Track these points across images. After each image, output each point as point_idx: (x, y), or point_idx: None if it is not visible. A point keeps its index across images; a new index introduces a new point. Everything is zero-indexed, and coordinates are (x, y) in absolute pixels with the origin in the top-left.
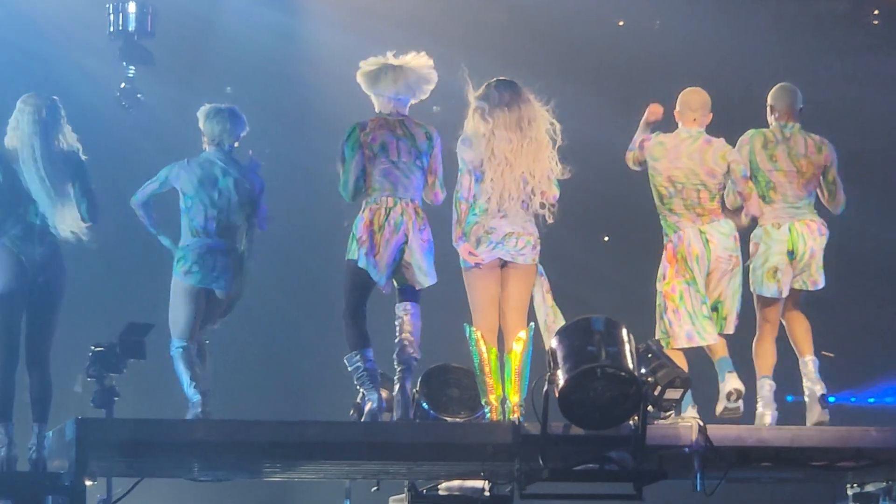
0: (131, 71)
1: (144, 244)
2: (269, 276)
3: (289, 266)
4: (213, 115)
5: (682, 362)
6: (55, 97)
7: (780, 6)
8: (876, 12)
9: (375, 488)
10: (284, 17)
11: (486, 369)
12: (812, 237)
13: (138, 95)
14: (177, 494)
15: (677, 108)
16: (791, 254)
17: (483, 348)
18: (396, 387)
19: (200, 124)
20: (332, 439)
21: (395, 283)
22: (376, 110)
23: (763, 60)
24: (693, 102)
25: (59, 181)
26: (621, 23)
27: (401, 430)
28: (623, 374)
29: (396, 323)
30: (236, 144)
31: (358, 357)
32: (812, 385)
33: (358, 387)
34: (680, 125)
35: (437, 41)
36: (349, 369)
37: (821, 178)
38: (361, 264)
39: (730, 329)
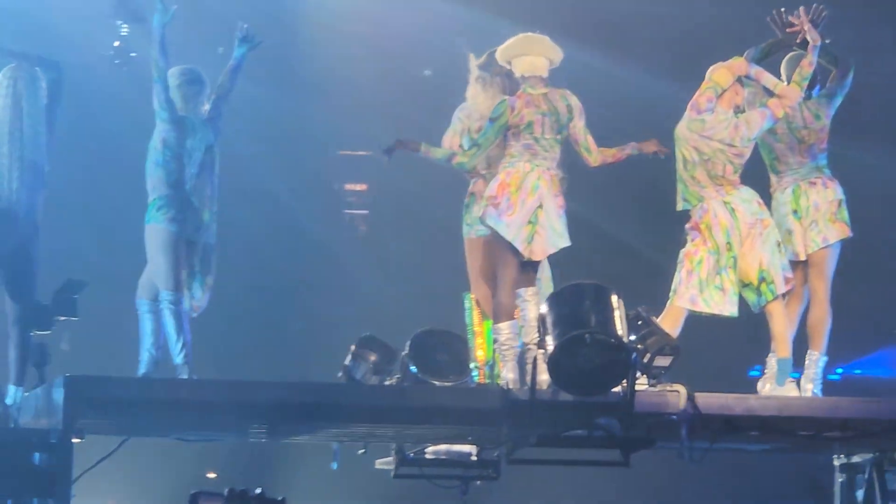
0: (124, 29)
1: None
2: (260, 238)
3: (281, 227)
4: (187, 85)
5: (676, 326)
6: (37, 68)
7: None
8: None
9: (363, 451)
10: None
11: (478, 331)
12: (815, 190)
13: (132, 54)
14: (164, 454)
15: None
16: (795, 213)
17: (477, 316)
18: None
19: (171, 90)
20: (320, 401)
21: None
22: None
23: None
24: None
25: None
26: None
27: (389, 394)
28: (612, 340)
29: None
30: (205, 107)
31: None
32: (806, 383)
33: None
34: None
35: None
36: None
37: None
38: None
39: (781, 289)
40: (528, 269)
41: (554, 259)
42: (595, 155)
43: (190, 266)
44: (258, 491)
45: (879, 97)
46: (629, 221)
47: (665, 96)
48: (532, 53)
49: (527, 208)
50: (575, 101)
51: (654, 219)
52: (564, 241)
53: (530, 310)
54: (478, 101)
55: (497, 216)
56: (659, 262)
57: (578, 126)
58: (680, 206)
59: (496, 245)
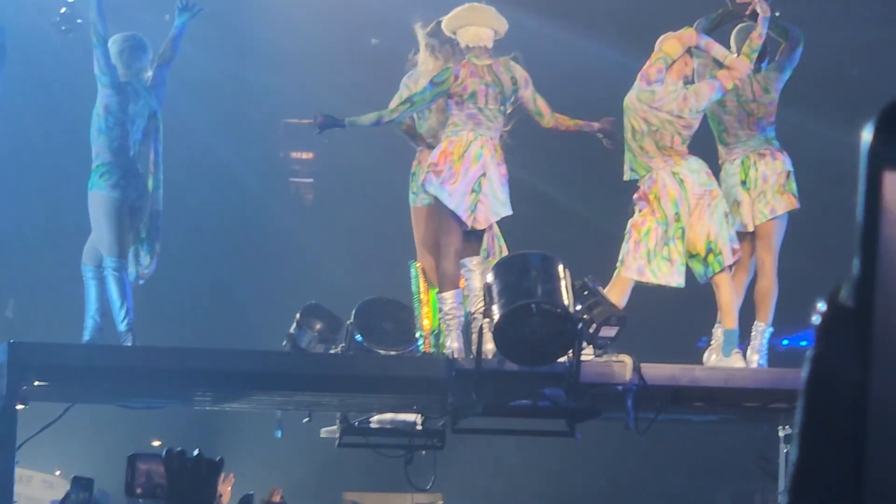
0: None
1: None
2: (206, 205)
3: (227, 195)
4: (129, 51)
5: (623, 297)
6: None
7: None
8: None
9: (307, 419)
10: None
11: (424, 300)
12: (763, 162)
13: (78, 20)
14: (108, 422)
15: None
16: (744, 184)
17: (423, 284)
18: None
19: (113, 56)
20: (264, 369)
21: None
22: None
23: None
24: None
25: None
26: None
27: (333, 362)
28: (558, 310)
29: None
30: (149, 73)
31: None
32: (752, 354)
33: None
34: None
35: None
36: None
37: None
38: None
39: (728, 260)
40: (471, 238)
41: (502, 228)
42: (547, 118)
43: (136, 232)
44: (196, 452)
45: (828, 69)
46: (577, 190)
47: (614, 66)
48: (477, 24)
49: (469, 177)
50: (520, 71)
51: (602, 188)
52: (507, 210)
53: (475, 279)
54: (427, 67)
55: (439, 184)
56: (607, 230)
57: (526, 95)
58: (627, 176)
59: (439, 213)
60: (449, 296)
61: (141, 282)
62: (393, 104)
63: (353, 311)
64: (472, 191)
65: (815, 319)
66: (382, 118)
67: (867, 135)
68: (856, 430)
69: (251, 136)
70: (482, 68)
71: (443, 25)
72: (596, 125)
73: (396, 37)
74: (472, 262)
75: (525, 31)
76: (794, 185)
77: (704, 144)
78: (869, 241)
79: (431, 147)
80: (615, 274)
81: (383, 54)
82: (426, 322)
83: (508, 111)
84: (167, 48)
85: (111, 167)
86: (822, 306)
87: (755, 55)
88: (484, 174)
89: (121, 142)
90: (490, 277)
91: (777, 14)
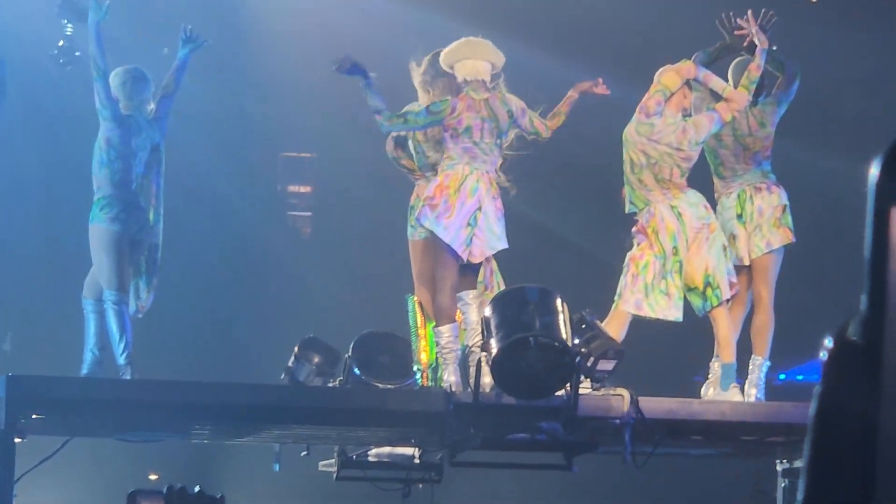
0: (69, 29)
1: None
2: (204, 238)
3: (226, 228)
4: (131, 83)
5: (621, 330)
6: None
7: None
8: None
9: (305, 453)
10: None
11: (422, 334)
12: (759, 196)
13: (76, 53)
14: (106, 455)
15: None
16: (740, 217)
17: (421, 318)
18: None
19: (114, 89)
20: (262, 403)
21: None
22: None
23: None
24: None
25: None
26: None
27: (331, 396)
28: (556, 343)
29: None
30: (151, 106)
31: None
32: (749, 388)
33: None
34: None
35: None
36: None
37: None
38: None
39: (726, 294)
40: (468, 271)
41: (501, 261)
42: (545, 132)
43: (136, 266)
44: (197, 489)
45: (825, 103)
46: (576, 223)
47: (614, 97)
48: (474, 57)
49: (465, 210)
50: (516, 103)
51: (601, 221)
52: (502, 244)
53: (472, 313)
54: (423, 103)
55: (435, 218)
56: (606, 263)
57: (524, 123)
58: (627, 210)
59: (435, 247)
60: (446, 329)
61: (140, 315)
62: (399, 147)
63: (351, 345)
64: (468, 224)
65: (823, 356)
66: (380, 117)
67: (874, 171)
68: (864, 466)
69: (250, 170)
70: (479, 102)
71: (441, 60)
72: (575, 94)
73: (395, 71)
74: (469, 296)
75: (522, 63)
76: (789, 219)
77: (703, 178)
78: (877, 278)
79: (429, 179)
80: (613, 307)
81: (382, 88)
82: (424, 356)
83: (505, 144)
84: (170, 80)
85: (112, 200)
86: (829, 342)
87: (753, 87)
88: (479, 208)
89: (123, 175)
90: (488, 311)
91: (774, 48)
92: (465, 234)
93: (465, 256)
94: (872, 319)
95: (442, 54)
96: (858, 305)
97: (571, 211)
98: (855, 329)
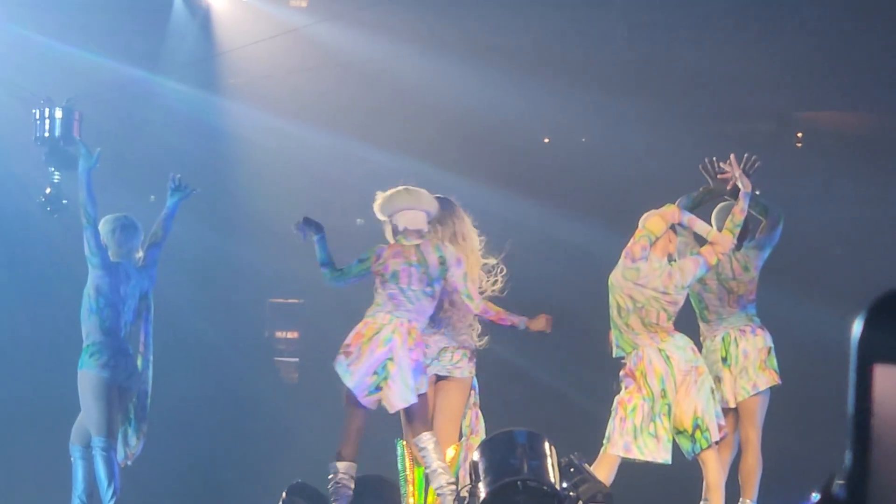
0: (56, 176)
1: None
2: (192, 385)
3: (213, 374)
4: (120, 230)
5: (610, 473)
6: None
7: (704, 126)
8: (799, 135)
9: None
10: (215, 121)
11: (410, 478)
12: (744, 339)
13: (63, 201)
14: None
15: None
16: (724, 360)
17: (409, 463)
18: None
19: (104, 236)
20: None
21: None
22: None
23: (689, 181)
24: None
25: None
26: (547, 140)
27: None
28: (545, 487)
29: None
30: (139, 254)
31: None
32: None
33: None
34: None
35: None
36: None
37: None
38: None
39: (715, 437)
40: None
41: (485, 410)
42: (477, 303)
43: (124, 413)
44: None
45: (807, 246)
46: (562, 370)
47: (599, 243)
48: (414, 207)
49: (374, 359)
50: (450, 252)
51: (586, 367)
52: (413, 398)
53: (431, 455)
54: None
55: (346, 365)
56: (593, 407)
57: (457, 275)
58: (615, 354)
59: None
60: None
61: (129, 462)
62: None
63: None
64: (374, 373)
65: None
66: (325, 269)
67: (857, 327)
68: None
69: (237, 316)
70: (409, 248)
71: (378, 207)
72: (525, 321)
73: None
74: (423, 439)
75: (508, 211)
76: (774, 361)
77: (690, 321)
78: (861, 434)
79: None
80: (601, 451)
81: (368, 234)
82: (412, 500)
83: (437, 292)
84: (158, 228)
85: (101, 347)
86: (815, 497)
87: (737, 230)
88: (391, 358)
89: (112, 322)
90: (476, 455)
91: (758, 192)
92: (370, 382)
93: (367, 404)
94: (856, 476)
95: (380, 201)
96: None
97: (555, 358)
98: (839, 485)
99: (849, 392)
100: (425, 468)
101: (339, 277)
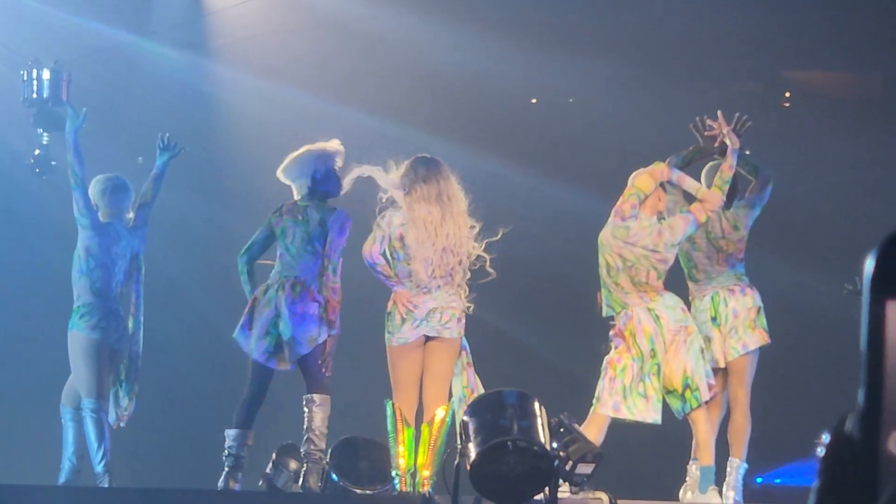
0: (45, 138)
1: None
2: (183, 348)
3: (203, 338)
4: (111, 191)
5: (600, 434)
6: None
7: (692, 87)
8: (787, 94)
9: None
10: (202, 84)
11: (400, 439)
12: (734, 298)
13: (52, 162)
14: None
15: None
16: (714, 320)
17: (399, 424)
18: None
19: (94, 197)
20: None
21: None
22: None
23: (677, 141)
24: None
25: None
26: (534, 100)
27: (309, 502)
28: (535, 447)
29: None
30: (130, 215)
31: None
32: (727, 490)
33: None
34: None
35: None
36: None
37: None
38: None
39: (705, 396)
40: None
41: (479, 371)
42: (333, 280)
43: (115, 374)
44: None
45: (799, 210)
46: (551, 333)
47: (588, 203)
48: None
49: (263, 320)
50: (336, 218)
51: (575, 329)
52: (304, 349)
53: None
54: (400, 201)
55: (239, 329)
56: (583, 367)
57: (335, 243)
58: (604, 313)
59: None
60: None
61: (122, 424)
62: (379, 253)
63: (329, 451)
64: (268, 333)
65: (820, 451)
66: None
67: (869, 264)
68: None
69: (228, 281)
70: (300, 207)
71: (280, 172)
72: (336, 332)
73: (372, 190)
74: (316, 399)
75: (501, 177)
76: (764, 321)
77: (679, 280)
78: (873, 372)
79: (406, 286)
80: (591, 411)
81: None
82: (402, 461)
83: (320, 251)
84: (148, 189)
85: (92, 308)
86: (826, 438)
87: (727, 187)
88: (278, 314)
89: (102, 283)
90: (466, 416)
91: (748, 152)
92: (266, 343)
93: (272, 366)
94: (870, 414)
95: (282, 167)
96: (854, 400)
97: (544, 321)
98: (851, 424)
99: (861, 329)
100: (305, 424)
101: (249, 245)
